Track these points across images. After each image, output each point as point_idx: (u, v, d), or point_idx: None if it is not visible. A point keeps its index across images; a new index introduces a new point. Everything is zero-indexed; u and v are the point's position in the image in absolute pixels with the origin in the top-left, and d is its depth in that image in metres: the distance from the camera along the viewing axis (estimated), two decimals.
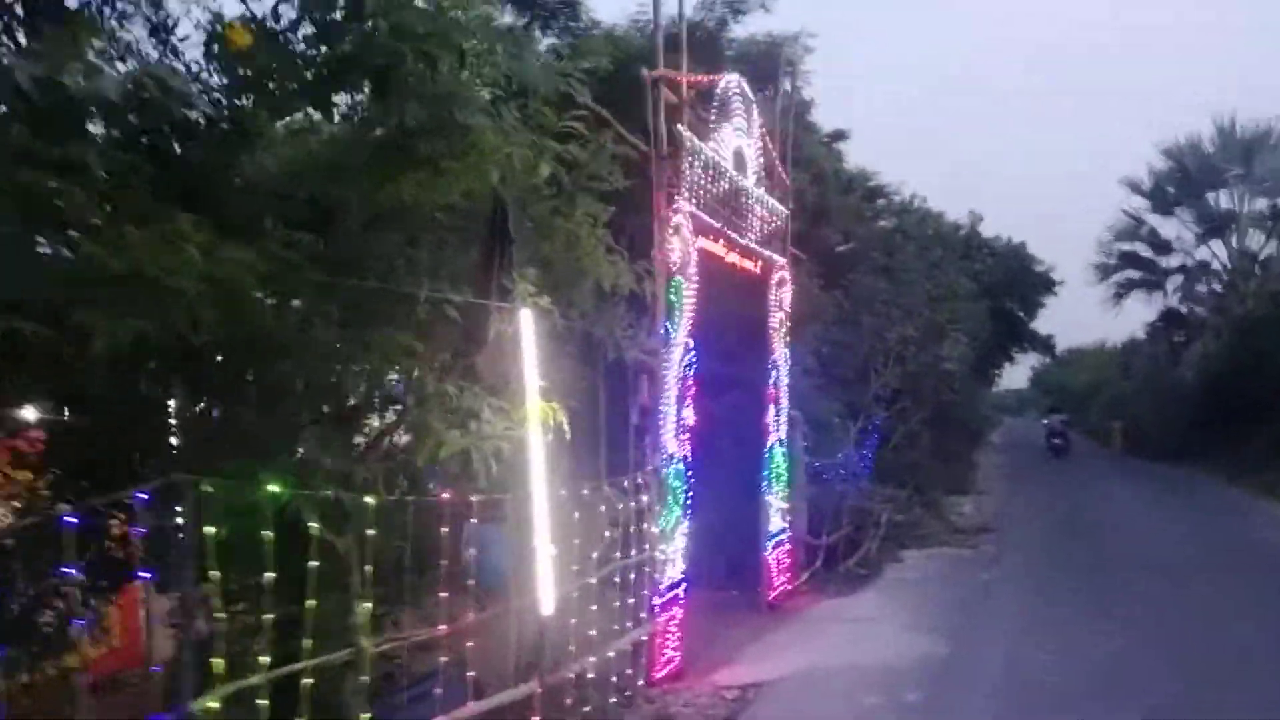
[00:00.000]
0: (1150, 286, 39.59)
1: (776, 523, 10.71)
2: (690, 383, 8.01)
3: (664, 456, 7.45)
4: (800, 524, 11.59)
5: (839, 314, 20.20)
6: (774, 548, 10.58)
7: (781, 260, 10.72)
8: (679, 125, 7.67)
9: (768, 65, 14.32)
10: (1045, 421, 41.47)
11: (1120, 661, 7.48)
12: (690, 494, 8.13)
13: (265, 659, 3.73)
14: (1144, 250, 39.50)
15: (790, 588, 11.00)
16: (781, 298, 10.74)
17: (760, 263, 9.98)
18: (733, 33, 14.31)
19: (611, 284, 5.86)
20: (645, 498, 6.98)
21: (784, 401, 10.86)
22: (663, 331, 7.47)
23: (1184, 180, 37.35)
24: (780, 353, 10.73)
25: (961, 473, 23.96)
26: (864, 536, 13.59)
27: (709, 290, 10.19)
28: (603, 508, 6.21)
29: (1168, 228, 38.60)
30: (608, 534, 6.24)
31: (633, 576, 6.84)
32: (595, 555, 6.18)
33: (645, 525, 7.05)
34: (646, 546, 7.00)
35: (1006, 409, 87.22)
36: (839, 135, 24.53)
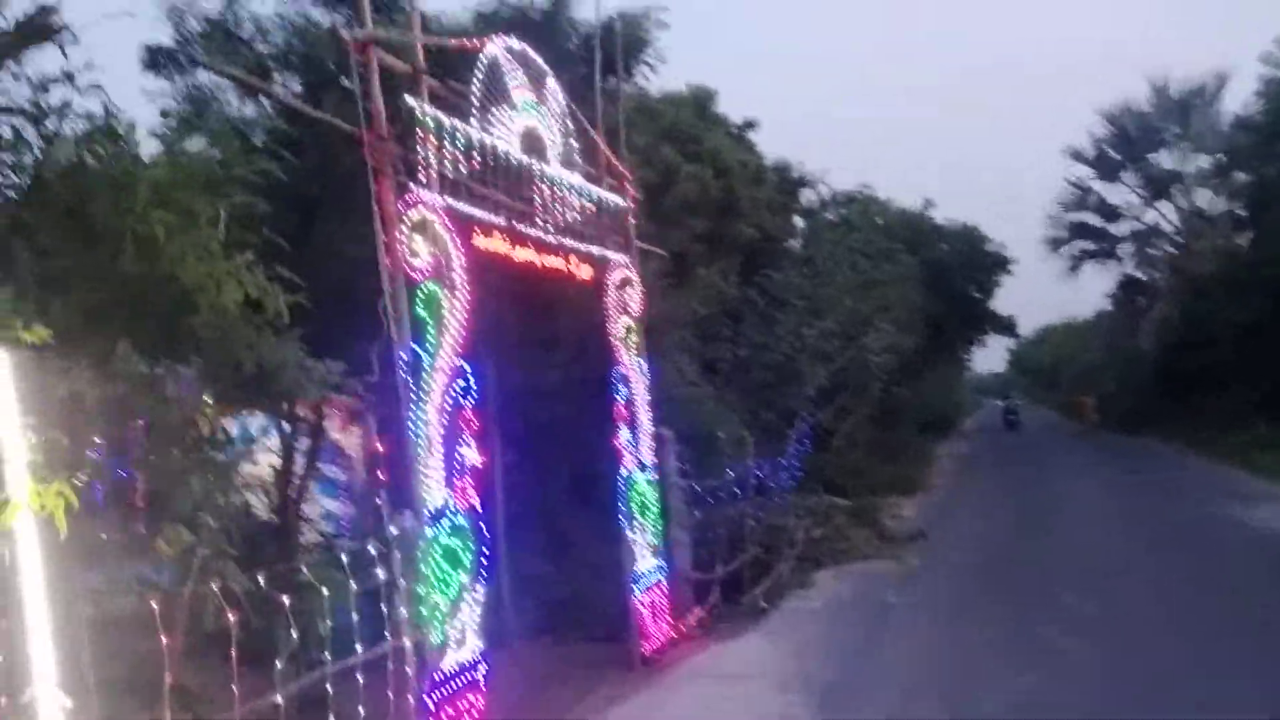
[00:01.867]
0: (1104, 255, 38.53)
1: (647, 561, 9.18)
2: (468, 414, 6.49)
3: (424, 511, 5.89)
4: (683, 558, 10.06)
5: (753, 312, 18.82)
6: (645, 591, 9.05)
7: (621, 258, 9.22)
8: (410, 98, 6.17)
9: (624, 47, 12.90)
10: (1002, 403, 52.95)
11: None
12: (485, 551, 6.61)
13: None
14: (1093, 219, 38.44)
15: (674, 635, 9.46)
16: (625, 300, 9.23)
17: (586, 262, 8.46)
18: (578, 12, 12.81)
19: (242, 303, 4.30)
20: (384, 571, 5.42)
21: (643, 420, 9.34)
22: (408, 355, 5.94)
23: (1126, 144, 36.37)
24: (631, 364, 9.21)
25: (913, 469, 22.55)
26: (778, 559, 12.10)
27: (508, 300, 8.73)
28: (287, 599, 4.64)
29: (1115, 194, 37.59)
30: (295, 634, 4.66)
31: (367, 675, 5.28)
32: (281, 665, 4.61)
33: (390, 607, 5.48)
34: (388, 635, 5.42)
35: (988, 391, 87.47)
36: (749, 125, 23.20)
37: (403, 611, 5.52)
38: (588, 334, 9.08)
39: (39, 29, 5.33)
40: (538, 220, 7.60)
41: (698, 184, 19.47)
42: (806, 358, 18.09)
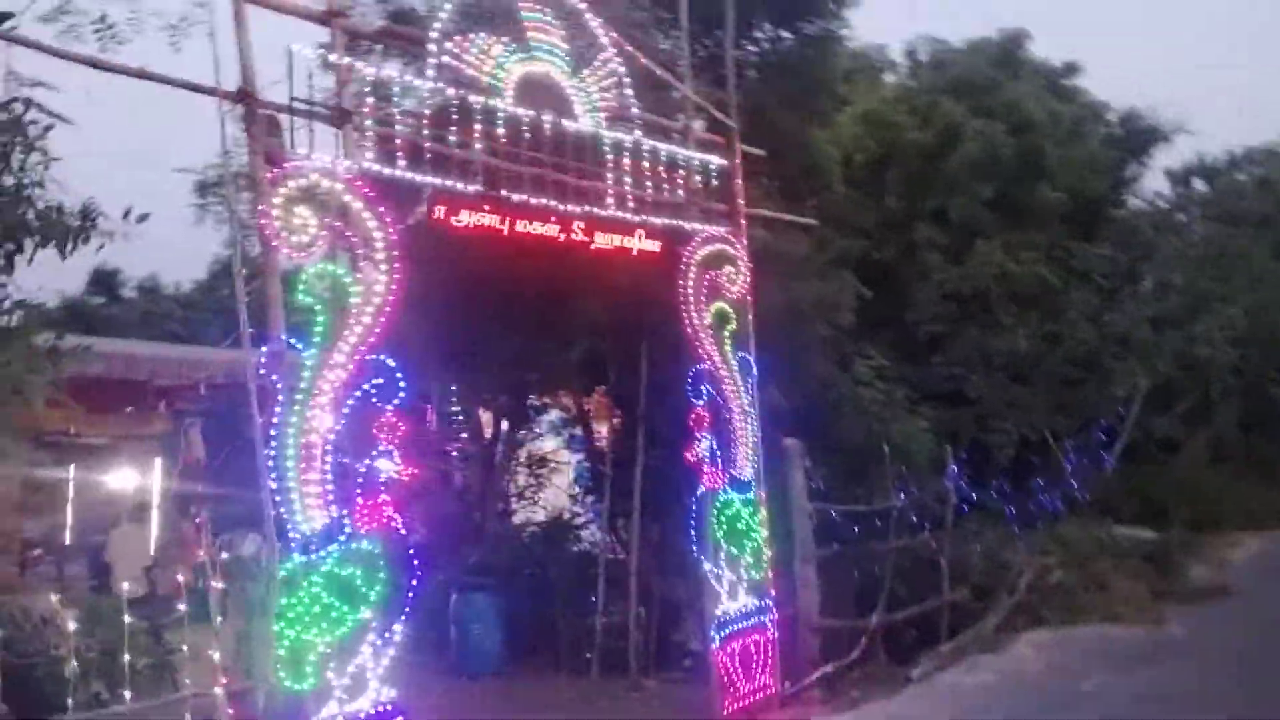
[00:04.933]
0: None
1: (740, 601, 7.51)
2: (388, 420, 5.43)
3: (289, 535, 4.95)
4: (808, 600, 8.17)
5: (1048, 293, 15.46)
6: (734, 636, 7.39)
7: (712, 230, 7.56)
8: (301, 49, 5.22)
9: None
10: None
11: None
12: (414, 580, 5.55)
13: None
14: None
15: (779, 693, 7.66)
16: (718, 281, 7.56)
17: (639, 235, 6.97)
18: None
19: None
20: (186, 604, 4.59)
21: (740, 428, 7.61)
22: (275, 349, 5.04)
23: None
24: (721, 359, 7.53)
25: None
26: (994, 606, 9.55)
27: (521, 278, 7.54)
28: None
29: None
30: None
31: None
32: None
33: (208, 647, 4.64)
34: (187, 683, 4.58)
35: None
36: (1070, 69, 19.21)
37: (215, 654, 4.63)
38: (623, 325, 7.64)
39: None
40: (562, 187, 6.30)
41: (984, 142, 16.43)
42: (1114, 350, 14.48)
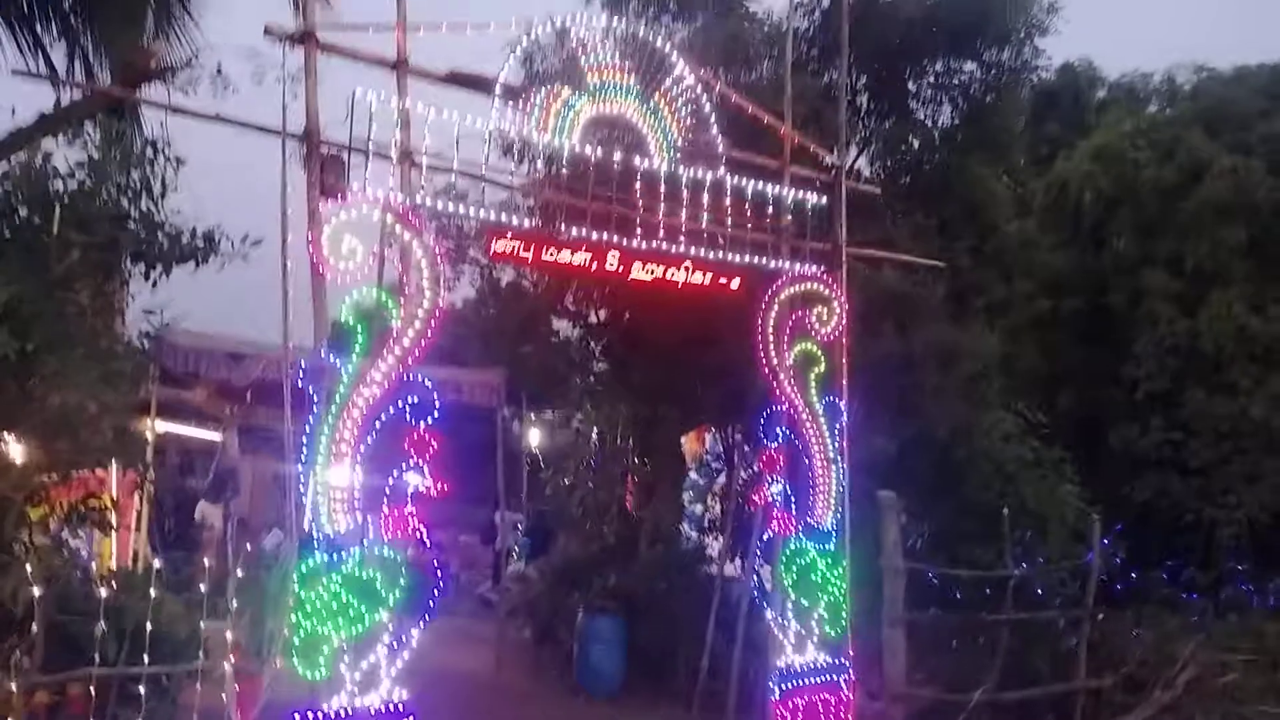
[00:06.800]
0: None
1: (809, 655, 7.22)
2: (419, 436, 5.81)
3: (313, 536, 5.43)
4: (894, 666, 7.63)
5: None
6: (798, 692, 7.12)
7: (805, 269, 7.37)
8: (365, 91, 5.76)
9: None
10: None
11: None
12: (437, 590, 5.87)
13: None
14: None
15: None
16: (806, 321, 7.34)
17: (711, 271, 6.95)
18: None
19: None
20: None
21: (822, 475, 7.32)
22: (316, 360, 5.57)
23: None
24: (805, 402, 7.30)
25: None
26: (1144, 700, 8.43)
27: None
28: None
29: None
30: None
31: None
32: None
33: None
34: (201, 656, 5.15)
35: None
36: None
37: (228, 632, 5.19)
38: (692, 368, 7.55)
39: None
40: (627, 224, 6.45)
41: (1234, 181, 14.48)
42: None
